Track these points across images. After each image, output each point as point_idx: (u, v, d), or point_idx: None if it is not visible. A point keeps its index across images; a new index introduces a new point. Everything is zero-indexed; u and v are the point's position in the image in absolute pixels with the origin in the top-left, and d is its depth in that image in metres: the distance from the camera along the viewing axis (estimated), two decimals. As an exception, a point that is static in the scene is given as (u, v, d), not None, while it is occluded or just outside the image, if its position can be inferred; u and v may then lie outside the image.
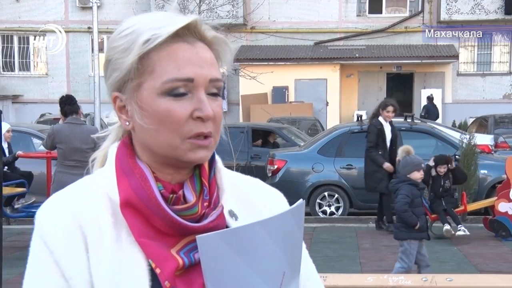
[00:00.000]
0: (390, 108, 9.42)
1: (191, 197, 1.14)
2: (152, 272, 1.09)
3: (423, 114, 20.84)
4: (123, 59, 1.12)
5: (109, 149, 1.20)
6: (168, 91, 1.10)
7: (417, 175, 6.26)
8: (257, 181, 1.30)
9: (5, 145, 9.52)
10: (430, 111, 21.03)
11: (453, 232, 8.63)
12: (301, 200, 1.14)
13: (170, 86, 1.10)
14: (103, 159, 1.22)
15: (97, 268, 1.08)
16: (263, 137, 13.49)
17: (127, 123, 1.16)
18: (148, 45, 1.10)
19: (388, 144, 9.41)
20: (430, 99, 21.74)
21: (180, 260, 1.09)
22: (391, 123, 9.57)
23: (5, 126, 9.82)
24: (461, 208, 9.13)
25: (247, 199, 1.24)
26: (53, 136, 7.25)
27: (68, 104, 7.38)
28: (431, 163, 8.95)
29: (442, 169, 8.84)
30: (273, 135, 13.66)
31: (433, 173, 8.91)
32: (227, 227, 1.15)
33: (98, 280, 1.08)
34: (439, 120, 20.90)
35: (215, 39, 1.16)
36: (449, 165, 8.86)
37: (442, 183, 8.84)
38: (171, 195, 1.13)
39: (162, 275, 1.08)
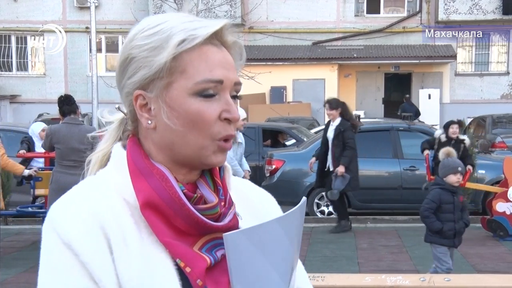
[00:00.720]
0: (326, 106, 9.43)
1: (212, 197, 1.16)
2: (179, 271, 1.09)
3: (398, 113, 21.31)
4: (153, 57, 1.11)
5: (113, 149, 1.19)
6: (199, 92, 1.11)
7: (453, 179, 5.99)
8: (249, 182, 1.34)
9: (40, 144, 9.60)
10: (407, 111, 21.35)
11: None
12: (304, 198, 1.17)
13: (202, 87, 1.11)
14: (103, 160, 1.21)
15: (124, 270, 1.07)
16: (272, 137, 13.46)
17: (149, 122, 1.14)
18: (184, 46, 1.10)
19: (327, 143, 9.33)
20: (406, 98, 22.05)
21: (207, 258, 1.10)
22: (343, 123, 9.17)
23: (40, 126, 9.87)
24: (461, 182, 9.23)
25: (246, 199, 1.26)
26: (51, 136, 7.25)
27: (67, 104, 7.37)
28: (439, 131, 9.10)
29: (455, 128, 8.92)
30: (283, 135, 13.63)
31: (443, 139, 9.00)
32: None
33: (127, 281, 1.07)
34: (436, 121, 20.99)
35: (234, 44, 1.19)
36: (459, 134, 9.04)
37: None
38: (195, 195, 1.13)
39: (193, 273, 1.08)
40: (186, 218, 1.10)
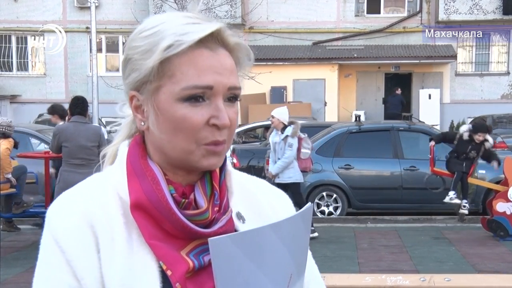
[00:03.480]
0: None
1: (203, 202, 1.14)
2: (163, 273, 1.09)
3: (383, 104, 22.00)
4: (143, 60, 1.11)
5: (120, 147, 1.20)
6: (187, 97, 1.09)
7: None
8: (263, 182, 1.31)
9: None
10: (391, 104, 21.69)
11: (457, 201, 8.65)
12: (309, 203, 1.14)
13: (189, 93, 1.09)
14: (113, 156, 1.22)
15: (108, 269, 1.08)
16: None
17: (142, 123, 1.15)
18: (170, 51, 1.09)
19: None
20: (396, 92, 22.40)
21: (190, 262, 1.09)
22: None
23: None
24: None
25: (254, 200, 1.24)
26: (58, 135, 7.26)
27: (79, 107, 7.42)
28: (465, 127, 8.91)
29: (481, 137, 8.79)
30: None
31: (465, 137, 8.87)
32: (235, 231, 1.16)
33: (109, 280, 1.07)
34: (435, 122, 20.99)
35: (237, 45, 1.16)
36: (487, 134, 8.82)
37: (468, 150, 8.83)
38: (183, 200, 1.12)
39: (173, 276, 1.08)
40: (173, 222, 1.10)
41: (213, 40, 1.12)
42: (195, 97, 1.09)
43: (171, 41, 1.09)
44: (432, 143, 9.28)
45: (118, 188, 1.14)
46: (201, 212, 1.12)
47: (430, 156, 9.32)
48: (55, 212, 1.12)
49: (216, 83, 1.10)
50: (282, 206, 1.27)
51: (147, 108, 1.13)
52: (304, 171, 8.97)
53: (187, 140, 1.10)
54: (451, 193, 8.83)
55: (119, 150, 1.20)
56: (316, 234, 8.77)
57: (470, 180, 9.27)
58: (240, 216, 1.19)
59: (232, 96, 1.13)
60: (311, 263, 1.27)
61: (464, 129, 9.05)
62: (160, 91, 1.11)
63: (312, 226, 8.89)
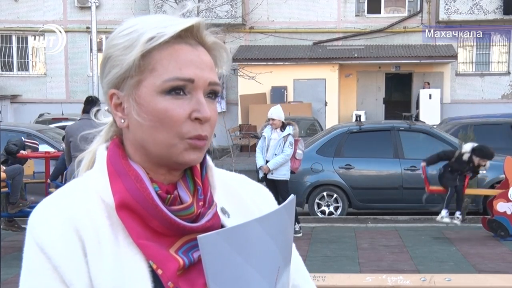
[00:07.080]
0: None
1: (187, 197, 1.14)
2: (153, 273, 1.08)
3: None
4: (124, 56, 1.12)
5: (97, 151, 1.20)
6: (168, 90, 1.10)
7: None
8: (244, 178, 1.32)
9: None
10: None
11: (448, 220, 8.79)
12: (292, 195, 1.15)
13: (170, 85, 1.10)
14: (91, 161, 1.21)
15: (97, 272, 1.07)
16: None
17: (122, 121, 1.15)
18: (152, 43, 1.10)
19: None
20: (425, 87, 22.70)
21: (180, 260, 1.09)
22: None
23: None
24: None
25: (236, 196, 1.25)
26: (67, 134, 7.56)
27: (89, 105, 7.57)
28: (468, 148, 8.85)
29: (483, 163, 8.81)
30: None
31: (466, 157, 8.83)
32: (221, 225, 1.16)
33: (100, 284, 1.06)
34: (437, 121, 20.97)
35: (214, 44, 1.17)
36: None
37: (465, 170, 8.88)
38: (168, 196, 1.12)
39: (165, 275, 1.08)
40: (161, 219, 1.09)
41: (192, 36, 1.14)
42: (176, 90, 1.10)
43: (152, 34, 1.10)
44: (423, 164, 9.22)
45: (100, 192, 1.13)
46: (186, 206, 1.12)
47: (423, 177, 9.29)
48: (38, 219, 1.11)
49: (197, 77, 1.11)
50: (264, 200, 1.29)
51: (128, 104, 1.13)
52: (292, 172, 9.05)
53: (169, 133, 1.10)
54: (443, 212, 8.90)
55: (97, 153, 1.19)
56: (300, 235, 8.84)
57: (468, 191, 9.26)
58: (224, 211, 1.20)
59: (212, 93, 1.14)
60: (295, 253, 1.28)
61: (467, 149, 8.86)
62: (141, 85, 1.11)
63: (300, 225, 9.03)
